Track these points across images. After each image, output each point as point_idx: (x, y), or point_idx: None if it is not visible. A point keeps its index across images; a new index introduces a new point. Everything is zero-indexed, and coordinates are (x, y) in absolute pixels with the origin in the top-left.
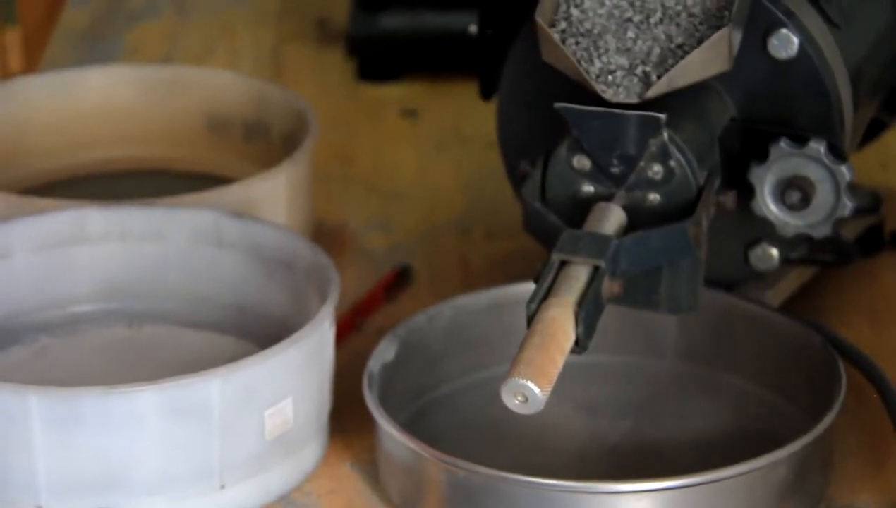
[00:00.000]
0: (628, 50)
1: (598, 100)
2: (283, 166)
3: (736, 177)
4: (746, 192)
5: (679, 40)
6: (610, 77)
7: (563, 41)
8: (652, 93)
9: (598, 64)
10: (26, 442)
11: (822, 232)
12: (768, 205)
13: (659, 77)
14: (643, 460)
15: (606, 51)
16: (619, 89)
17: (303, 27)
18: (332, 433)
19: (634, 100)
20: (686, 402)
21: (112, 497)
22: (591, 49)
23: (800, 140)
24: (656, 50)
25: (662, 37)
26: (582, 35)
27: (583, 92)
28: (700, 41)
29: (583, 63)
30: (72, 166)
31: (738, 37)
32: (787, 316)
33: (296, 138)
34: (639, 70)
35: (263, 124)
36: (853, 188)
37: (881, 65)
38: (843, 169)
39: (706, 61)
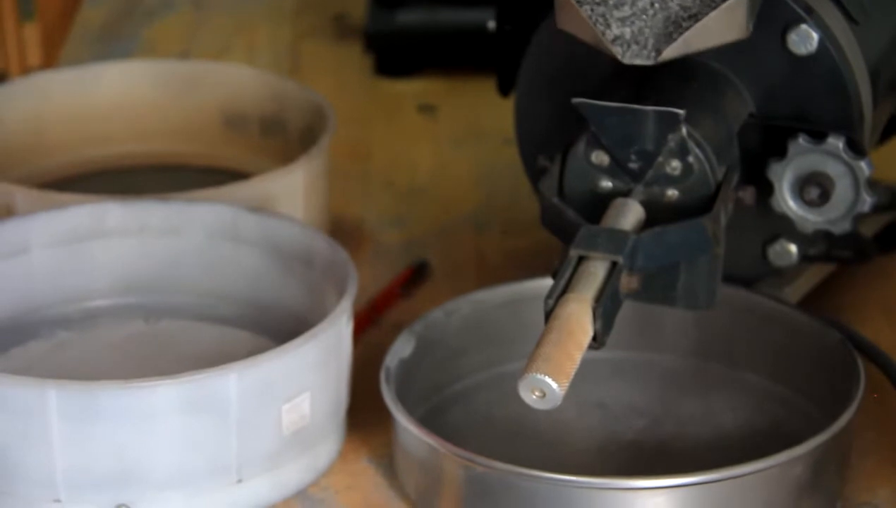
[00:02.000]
0: (644, 18)
1: (617, 67)
2: (301, 162)
3: (754, 172)
4: (765, 189)
5: (694, 10)
6: (626, 42)
7: (580, 4)
8: (666, 55)
9: (614, 29)
10: (44, 436)
11: (841, 228)
12: (787, 202)
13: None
14: (660, 456)
15: (622, 18)
16: (634, 53)
17: (320, 23)
18: (349, 428)
19: (649, 62)
20: (703, 399)
21: (129, 491)
22: (608, 15)
23: (818, 135)
24: (672, 18)
25: (677, 8)
26: (597, 3)
27: (600, 87)
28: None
29: (599, 26)
30: (89, 161)
31: (756, 5)
32: (806, 313)
33: (313, 134)
34: (654, 38)
35: (280, 120)
36: (872, 184)
37: None
38: (863, 164)
39: (721, 26)
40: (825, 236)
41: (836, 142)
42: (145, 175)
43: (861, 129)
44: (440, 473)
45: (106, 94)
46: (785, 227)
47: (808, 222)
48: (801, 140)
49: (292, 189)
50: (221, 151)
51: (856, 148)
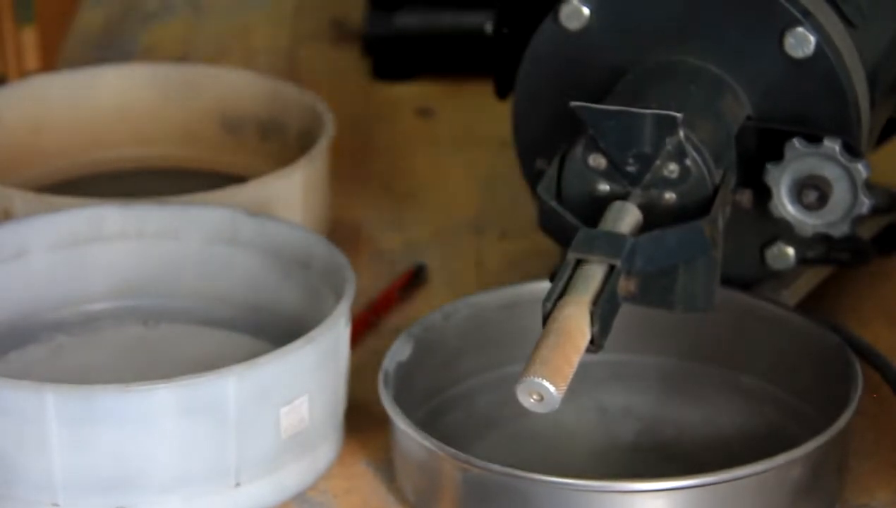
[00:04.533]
0: None
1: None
2: (299, 165)
3: (752, 176)
4: (763, 193)
5: None
6: None
7: None
8: None
9: None
10: (43, 441)
11: (840, 230)
12: (786, 206)
13: None
14: (658, 459)
15: None
16: None
17: (318, 27)
18: (348, 431)
19: None
20: (701, 402)
21: (128, 495)
22: None
23: (815, 139)
24: None
25: None
26: None
27: (599, 91)
28: None
29: None
30: (88, 165)
31: None
32: (804, 315)
33: (311, 137)
34: None
35: (279, 123)
36: (870, 186)
37: None
38: (860, 166)
39: None
40: (823, 239)
41: (833, 145)
42: (144, 178)
43: (858, 132)
44: (438, 476)
45: (104, 98)
46: (783, 230)
47: (806, 226)
48: (798, 143)
49: (290, 192)
50: (220, 155)
51: (852, 150)
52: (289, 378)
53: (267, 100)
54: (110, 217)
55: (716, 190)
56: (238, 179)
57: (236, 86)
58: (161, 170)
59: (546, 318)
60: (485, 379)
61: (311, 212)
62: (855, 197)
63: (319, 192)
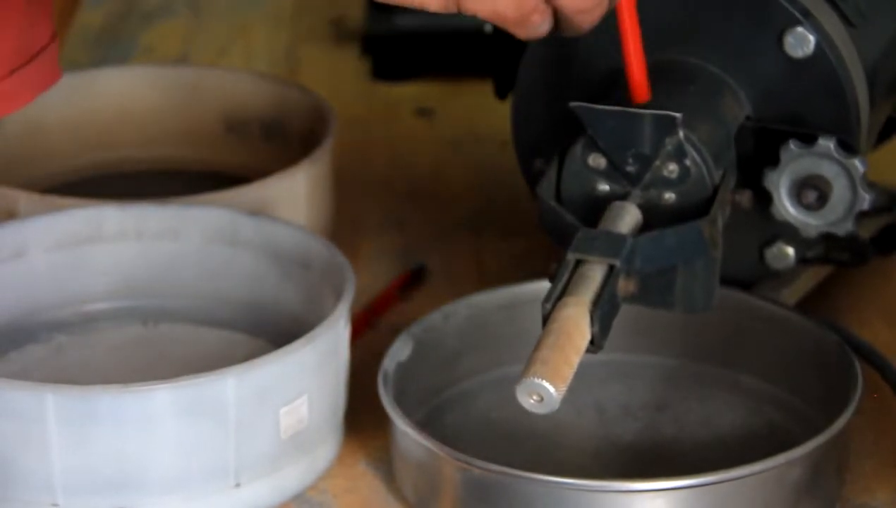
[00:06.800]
0: None
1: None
2: (302, 165)
3: (752, 176)
4: (764, 196)
5: None
6: None
7: None
8: None
9: None
10: (42, 441)
11: (843, 228)
12: (787, 208)
13: None
14: (657, 459)
15: None
16: None
17: (318, 27)
18: (347, 431)
19: None
20: (700, 402)
21: (128, 496)
22: None
23: (811, 139)
24: None
25: None
26: None
27: (598, 91)
28: None
29: None
30: (88, 166)
31: None
32: (803, 315)
33: (314, 137)
34: None
35: (281, 124)
36: (870, 184)
37: None
38: (856, 162)
39: None
40: (823, 238)
41: (827, 144)
42: (145, 179)
43: (858, 132)
44: (438, 476)
45: (105, 99)
46: (782, 230)
47: (810, 226)
48: (793, 145)
49: (294, 193)
50: (222, 156)
51: (848, 147)
52: (288, 378)
53: (269, 100)
54: (110, 217)
55: (715, 190)
56: (241, 180)
57: (238, 87)
58: (163, 172)
59: (546, 319)
60: (485, 379)
61: (315, 213)
62: (855, 193)
63: (323, 192)
